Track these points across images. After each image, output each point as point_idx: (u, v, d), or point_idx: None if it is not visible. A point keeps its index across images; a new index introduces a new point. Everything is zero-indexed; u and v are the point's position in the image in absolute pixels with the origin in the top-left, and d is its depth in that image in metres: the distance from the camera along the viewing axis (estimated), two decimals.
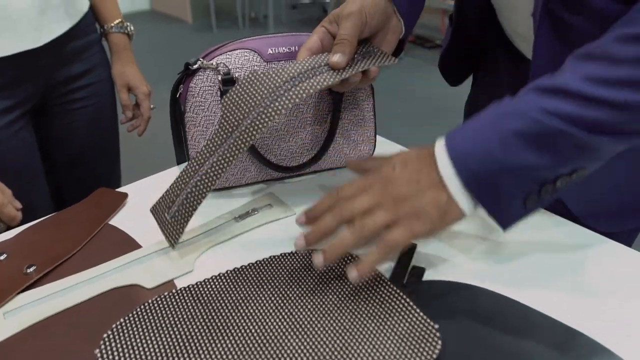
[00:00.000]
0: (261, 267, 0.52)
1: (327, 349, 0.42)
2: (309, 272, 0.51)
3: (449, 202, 0.44)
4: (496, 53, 0.71)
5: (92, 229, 0.60)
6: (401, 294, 0.47)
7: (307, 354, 0.42)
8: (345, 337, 0.43)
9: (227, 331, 0.45)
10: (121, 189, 0.68)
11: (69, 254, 0.56)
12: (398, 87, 3.22)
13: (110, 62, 0.99)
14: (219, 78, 0.60)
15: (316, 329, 0.44)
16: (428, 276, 0.51)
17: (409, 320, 0.44)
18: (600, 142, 0.41)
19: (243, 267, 0.52)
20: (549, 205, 0.48)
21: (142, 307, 0.48)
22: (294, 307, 0.47)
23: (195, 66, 0.60)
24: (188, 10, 4.91)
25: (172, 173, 0.73)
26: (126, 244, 0.58)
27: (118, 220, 0.62)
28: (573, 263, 0.53)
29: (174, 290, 0.49)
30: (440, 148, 0.44)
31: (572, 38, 0.51)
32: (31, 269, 0.53)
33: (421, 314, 0.44)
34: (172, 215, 0.54)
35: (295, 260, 0.53)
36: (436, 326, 0.43)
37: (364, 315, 0.45)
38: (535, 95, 0.42)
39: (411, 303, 0.45)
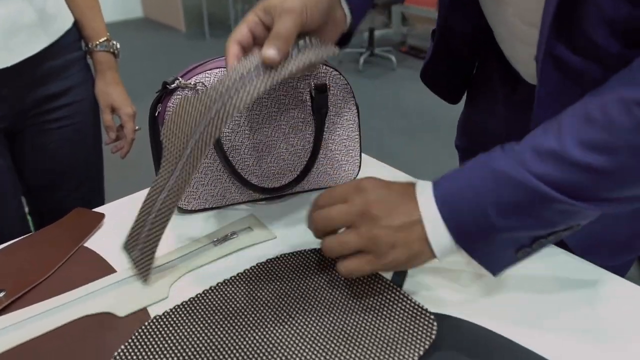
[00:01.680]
0: (251, 275, 0.53)
1: (330, 345, 0.44)
2: (303, 273, 0.53)
3: (423, 244, 0.44)
4: (490, 71, 0.70)
5: (66, 252, 0.58)
6: (395, 286, 0.49)
7: (312, 353, 0.44)
8: (345, 331, 0.45)
9: (231, 342, 0.45)
10: (98, 209, 0.66)
11: (41, 279, 0.54)
12: (390, 98, 3.22)
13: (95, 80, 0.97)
14: None
15: (317, 327, 0.46)
16: None
17: (405, 309, 0.47)
18: (586, 208, 0.41)
19: (233, 277, 0.53)
20: None
21: (141, 329, 0.47)
22: (292, 309, 0.48)
23: (173, 85, 0.59)
24: (181, 18, 4.92)
25: None
26: (100, 268, 0.56)
27: (94, 242, 0.61)
28: (565, 296, 0.51)
29: (169, 310, 0.49)
30: (425, 197, 0.44)
31: (577, 79, 0.50)
32: (0, 295, 0.52)
33: (417, 302, 0.47)
34: (141, 250, 0.53)
35: (286, 262, 0.54)
36: (432, 314, 0.46)
37: (361, 309, 0.48)
38: (532, 157, 0.41)
39: (406, 294, 0.49)
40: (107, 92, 0.94)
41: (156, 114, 0.63)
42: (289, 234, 0.61)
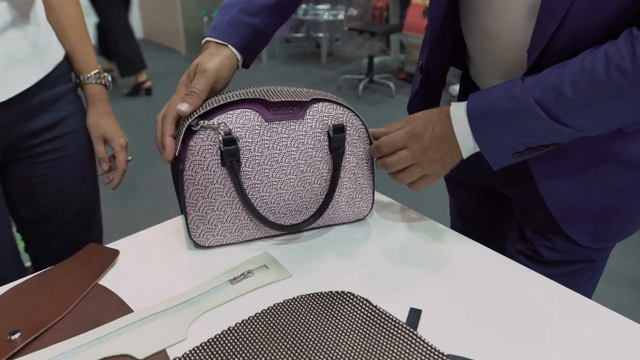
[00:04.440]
0: (269, 316, 0.53)
1: None
2: (321, 315, 0.53)
3: (457, 155, 0.62)
4: None
5: (81, 291, 0.57)
6: (410, 329, 0.50)
7: None
8: None
9: None
10: (113, 245, 0.66)
11: (56, 319, 0.53)
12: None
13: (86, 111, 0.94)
14: (220, 138, 0.59)
15: None
16: None
17: (419, 351, 0.48)
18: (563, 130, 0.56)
19: (251, 318, 0.53)
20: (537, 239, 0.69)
21: None
22: (310, 351, 0.49)
23: (197, 127, 0.59)
24: (182, 40, 4.97)
25: (172, 225, 0.71)
26: (117, 307, 0.56)
27: (109, 280, 0.60)
28: (584, 346, 0.52)
29: (188, 351, 0.49)
30: (458, 114, 0.61)
31: None
32: (16, 336, 0.51)
33: (431, 344, 0.49)
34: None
35: (303, 304, 0.54)
36: (446, 357, 0.48)
37: (377, 351, 0.49)
38: (538, 87, 0.56)
39: (420, 336, 0.50)
40: (99, 123, 0.92)
41: (176, 153, 0.63)
42: (304, 271, 0.61)
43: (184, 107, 0.61)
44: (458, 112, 0.60)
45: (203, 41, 0.69)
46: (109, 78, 0.94)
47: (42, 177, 0.88)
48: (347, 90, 3.90)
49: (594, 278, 0.72)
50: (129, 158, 0.97)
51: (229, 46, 0.66)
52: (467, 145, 0.61)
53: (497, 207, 0.83)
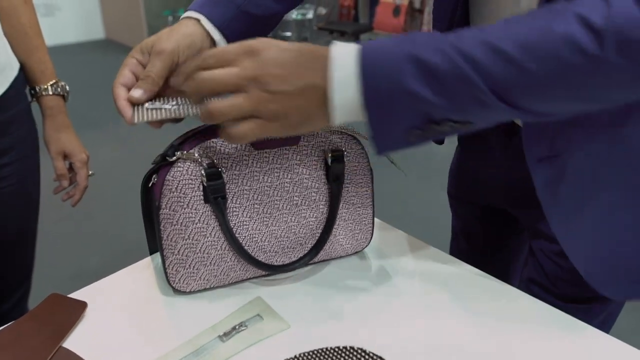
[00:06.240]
0: None
1: None
2: None
3: (320, 109, 0.42)
4: None
5: (43, 357, 0.48)
6: None
7: None
8: None
9: None
10: (79, 293, 0.57)
11: None
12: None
13: (37, 132, 0.85)
14: (202, 172, 0.51)
15: None
16: None
17: None
18: (500, 108, 0.40)
19: None
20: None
21: None
22: None
23: (173, 158, 0.51)
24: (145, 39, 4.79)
25: (143, 267, 0.62)
26: None
27: (75, 341, 0.51)
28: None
29: None
30: (345, 49, 0.41)
31: None
32: None
33: None
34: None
35: None
36: None
37: None
38: (468, 39, 0.40)
39: None
40: (58, 137, 0.84)
41: (150, 185, 0.55)
42: (303, 319, 0.54)
43: (137, 94, 0.51)
44: (344, 50, 0.42)
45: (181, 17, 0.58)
46: (67, 88, 0.85)
47: None
48: None
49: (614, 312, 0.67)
50: (90, 173, 0.89)
51: (202, 21, 0.55)
52: (344, 97, 0.41)
53: (503, 227, 0.78)
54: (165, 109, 0.50)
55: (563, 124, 0.52)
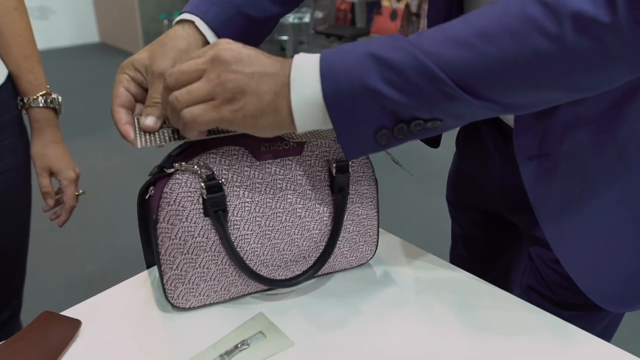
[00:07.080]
0: None
1: None
2: None
3: (277, 103, 0.41)
4: (477, 122, 0.66)
5: None
6: None
7: None
8: None
9: None
10: (72, 310, 0.55)
11: None
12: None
13: (29, 143, 0.81)
14: (202, 184, 0.49)
15: None
16: None
17: None
18: (465, 100, 0.38)
19: None
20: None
21: None
22: None
23: (171, 170, 0.49)
24: (140, 43, 4.75)
25: (139, 281, 0.60)
26: None
27: None
28: None
29: None
30: (304, 57, 0.41)
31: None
32: None
33: None
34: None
35: None
36: None
37: None
38: (427, 35, 0.39)
39: None
40: (45, 153, 0.79)
41: (146, 197, 0.53)
42: (307, 335, 0.52)
43: (151, 122, 0.49)
44: (306, 55, 0.41)
45: (175, 20, 0.56)
46: (60, 100, 0.80)
47: None
48: None
49: (615, 320, 0.65)
50: (80, 192, 0.84)
51: (196, 23, 0.53)
52: (303, 96, 0.40)
53: (502, 233, 0.76)
54: (166, 132, 0.49)
55: (552, 122, 0.51)
